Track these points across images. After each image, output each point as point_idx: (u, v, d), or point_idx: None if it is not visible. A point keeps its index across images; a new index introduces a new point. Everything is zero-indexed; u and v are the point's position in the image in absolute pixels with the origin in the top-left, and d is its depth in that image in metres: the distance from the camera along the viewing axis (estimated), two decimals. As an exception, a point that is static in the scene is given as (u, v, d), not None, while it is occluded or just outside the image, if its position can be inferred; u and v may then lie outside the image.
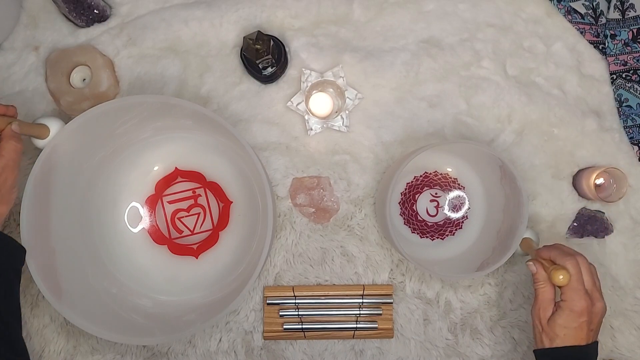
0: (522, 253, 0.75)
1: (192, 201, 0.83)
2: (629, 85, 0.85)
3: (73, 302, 0.70)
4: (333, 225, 0.83)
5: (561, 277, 0.60)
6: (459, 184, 0.83)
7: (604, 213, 0.83)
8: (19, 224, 0.69)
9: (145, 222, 0.82)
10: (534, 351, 0.66)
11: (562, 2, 0.87)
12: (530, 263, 0.67)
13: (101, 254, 0.79)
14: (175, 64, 0.85)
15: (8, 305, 0.62)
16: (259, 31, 0.79)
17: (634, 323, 0.81)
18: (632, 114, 0.85)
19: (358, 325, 0.80)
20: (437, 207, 0.83)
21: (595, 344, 0.64)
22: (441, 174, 0.83)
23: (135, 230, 0.82)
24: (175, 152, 0.82)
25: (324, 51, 0.85)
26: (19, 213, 0.68)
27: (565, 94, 0.86)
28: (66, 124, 0.70)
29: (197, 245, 0.82)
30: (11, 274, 0.64)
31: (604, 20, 0.86)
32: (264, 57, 0.79)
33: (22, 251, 0.65)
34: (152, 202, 0.82)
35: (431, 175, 0.83)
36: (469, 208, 0.82)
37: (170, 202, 0.83)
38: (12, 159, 0.61)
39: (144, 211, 0.82)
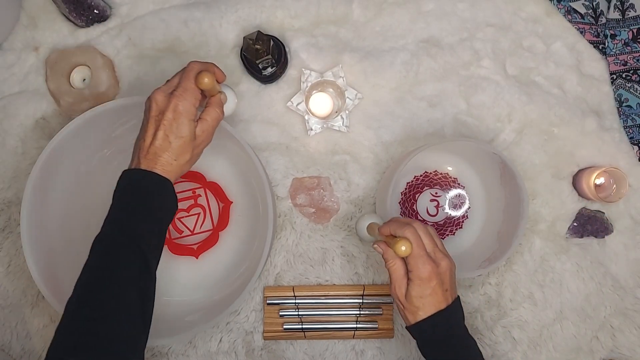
0: (370, 239, 0.74)
1: (192, 201, 0.83)
2: (629, 85, 0.85)
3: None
4: (333, 226, 0.83)
5: (403, 248, 0.59)
6: (459, 183, 0.83)
7: (604, 213, 0.83)
8: (19, 224, 0.69)
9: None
10: (409, 331, 0.65)
11: (562, 2, 0.87)
12: (376, 245, 0.65)
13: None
14: (175, 65, 0.85)
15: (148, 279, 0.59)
16: (259, 31, 0.79)
17: (634, 322, 0.81)
18: (632, 113, 0.85)
19: (358, 325, 0.80)
20: (437, 206, 0.83)
21: (456, 302, 0.63)
22: (441, 174, 0.83)
23: (135, 231, 0.82)
24: (175, 152, 0.82)
25: (323, 51, 0.85)
26: (19, 213, 0.68)
27: (565, 94, 0.86)
28: (66, 124, 0.70)
29: (197, 245, 0.82)
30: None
31: (604, 20, 0.86)
32: (264, 57, 0.79)
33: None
34: (152, 203, 0.82)
35: (431, 174, 0.83)
36: (469, 207, 0.82)
37: (170, 203, 0.82)
38: (213, 126, 0.62)
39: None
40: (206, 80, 0.58)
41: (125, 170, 0.59)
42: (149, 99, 0.59)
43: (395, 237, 0.62)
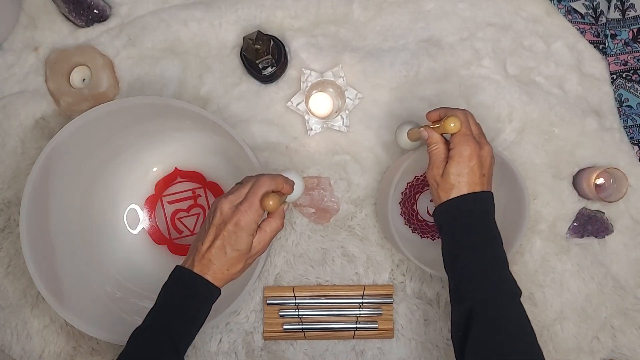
0: (412, 146, 0.75)
1: (192, 201, 0.83)
2: (629, 85, 0.85)
3: (73, 304, 0.70)
4: (333, 226, 0.83)
5: (452, 124, 0.62)
6: (459, 184, 0.82)
7: (604, 213, 0.83)
8: (18, 224, 0.69)
9: (144, 223, 0.82)
10: (433, 213, 0.66)
11: (562, 2, 0.87)
12: (422, 129, 0.67)
13: (101, 255, 0.79)
14: (175, 65, 0.85)
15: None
16: (258, 31, 0.79)
17: (635, 322, 0.81)
18: (632, 113, 0.85)
19: (358, 326, 0.80)
20: (437, 207, 0.82)
21: (490, 193, 0.65)
22: (441, 174, 0.83)
23: (134, 231, 0.82)
24: (175, 152, 0.82)
25: (323, 51, 0.85)
26: (19, 213, 0.68)
27: (565, 93, 0.85)
28: (66, 124, 0.70)
29: (197, 245, 0.82)
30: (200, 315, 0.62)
31: (604, 20, 0.86)
32: (264, 57, 0.79)
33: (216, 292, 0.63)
34: (152, 203, 0.82)
35: (431, 175, 0.83)
36: (470, 208, 0.82)
37: (170, 203, 0.82)
38: (271, 237, 0.62)
39: (143, 212, 0.82)
40: (271, 204, 0.59)
41: (178, 266, 0.60)
42: (215, 205, 0.60)
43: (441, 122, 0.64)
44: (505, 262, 0.62)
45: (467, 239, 0.62)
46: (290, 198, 0.67)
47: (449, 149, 0.64)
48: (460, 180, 0.62)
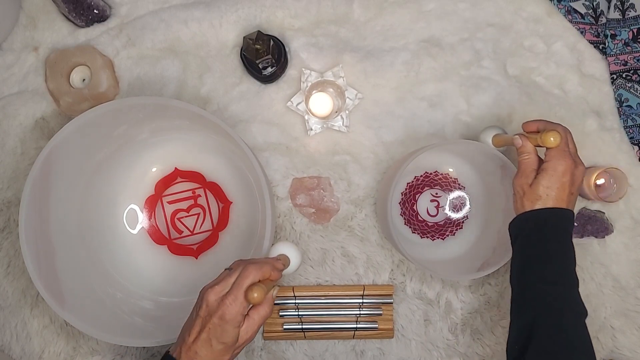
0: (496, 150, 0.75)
1: (191, 201, 0.82)
2: (629, 85, 0.85)
3: (73, 304, 0.70)
4: (333, 226, 0.83)
5: (552, 138, 0.62)
6: (459, 184, 0.82)
7: (604, 213, 0.83)
8: (18, 225, 0.69)
9: (144, 223, 0.82)
10: (512, 222, 0.66)
11: (562, 2, 0.87)
12: (517, 136, 0.67)
13: (101, 255, 0.79)
14: (175, 65, 0.85)
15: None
16: (259, 31, 0.79)
17: (635, 323, 0.81)
18: (633, 113, 0.85)
19: (358, 326, 0.80)
20: (437, 207, 0.83)
21: (572, 214, 0.64)
22: (442, 174, 0.83)
23: (134, 231, 0.82)
24: (175, 152, 0.82)
25: (323, 51, 0.85)
26: (19, 213, 0.68)
27: (565, 94, 0.85)
28: (66, 124, 0.70)
29: (197, 245, 0.82)
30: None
31: (604, 20, 0.86)
32: (264, 57, 0.79)
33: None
34: (152, 203, 0.82)
35: (432, 175, 0.83)
36: (470, 208, 0.82)
37: (170, 203, 0.82)
38: (259, 324, 0.60)
39: (143, 212, 0.82)
40: (255, 296, 0.56)
41: (167, 353, 0.60)
42: (202, 295, 0.59)
43: (538, 133, 0.65)
44: (575, 281, 0.62)
45: (542, 251, 0.62)
46: (287, 272, 0.67)
47: (539, 161, 0.65)
48: (549, 194, 0.62)
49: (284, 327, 0.80)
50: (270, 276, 0.60)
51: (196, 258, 0.82)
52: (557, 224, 0.63)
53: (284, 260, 0.66)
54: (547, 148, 0.64)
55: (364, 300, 0.81)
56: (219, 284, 0.58)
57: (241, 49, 0.84)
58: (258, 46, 0.78)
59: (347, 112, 0.83)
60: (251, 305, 0.59)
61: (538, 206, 0.63)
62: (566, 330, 0.59)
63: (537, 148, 0.66)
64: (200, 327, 0.58)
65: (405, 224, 0.83)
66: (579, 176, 0.64)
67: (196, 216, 0.83)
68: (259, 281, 0.58)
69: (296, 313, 0.80)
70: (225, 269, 0.60)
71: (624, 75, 0.85)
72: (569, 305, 0.60)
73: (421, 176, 0.83)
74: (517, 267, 0.64)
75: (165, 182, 0.82)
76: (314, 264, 0.82)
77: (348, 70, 0.84)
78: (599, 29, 0.87)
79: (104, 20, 0.86)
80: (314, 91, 0.82)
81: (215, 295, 0.57)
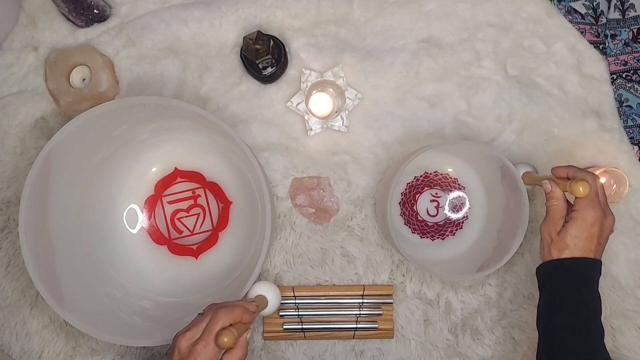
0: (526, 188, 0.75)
1: (191, 201, 0.82)
2: (629, 85, 0.85)
3: (73, 304, 0.70)
4: (333, 226, 0.83)
5: (581, 188, 0.61)
6: (459, 184, 0.82)
7: (604, 213, 0.83)
8: (18, 224, 0.69)
9: (144, 223, 0.82)
10: (538, 268, 0.67)
11: (562, 2, 0.87)
12: (546, 181, 0.68)
13: (101, 255, 0.79)
14: (175, 65, 0.85)
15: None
16: (258, 31, 0.79)
17: (634, 323, 0.81)
18: (632, 114, 0.85)
19: (358, 326, 0.80)
20: (437, 207, 0.83)
21: (600, 263, 0.65)
22: (441, 174, 0.83)
23: (134, 231, 0.82)
24: (175, 152, 0.82)
25: (323, 51, 0.85)
26: (18, 213, 0.68)
27: (565, 94, 0.85)
28: (66, 124, 0.70)
29: (197, 245, 0.82)
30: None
31: (604, 20, 0.86)
32: (264, 57, 0.79)
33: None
34: (152, 203, 0.82)
35: (431, 175, 0.83)
36: (470, 208, 0.82)
37: (170, 203, 0.82)
38: None
39: (143, 212, 0.82)
40: (225, 341, 0.55)
41: None
42: (174, 341, 0.58)
43: (568, 179, 0.65)
44: (601, 333, 0.63)
45: (569, 301, 0.63)
46: (265, 313, 0.67)
47: (568, 207, 0.65)
48: (577, 243, 0.63)
49: (284, 327, 0.80)
50: (242, 319, 0.59)
51: (196, 258, 0.82)
52: (584, 274, 0.64)
53: (260, 302, 0.66)
54: (576, 197, 0.63)
55: (364, 301, 0.81)
56: (190, 329, 0.58)
57: (241, 49, 0.84)
58: (258, 46, 0.78)
59: (347, 112, 0.83)
60: (224, 350, 0.58)
61: (565, 255, 0.63)
62: None
63: (566, 193, 0.66)
64: None
65: (405, 224, 0.83)
66: (607, 227, 0.64)
67: (196, 216, 0.83)
68: (231, 325, 0.57)
69: (296, 313, 0.80)
70: (199, 314, 0.60)
71: (624, 76, 0.85)
72: (594, 356, 0.61)
73: (421, 176, 0.83)
74: (543, 312, 0.65)
75: (165, 182, 0.82)
76: (314, 264, 0.82)
77: (348, 71, 0.84)
78: (599, 29, 0.87)
79: (104, 20, 0.86)
80: (314, 91, 0.82)
81: (186, 342, 0.57)
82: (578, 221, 0.63)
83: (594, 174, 0.66)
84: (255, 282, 0.69)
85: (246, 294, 0.68)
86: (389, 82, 0.85)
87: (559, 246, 0.64)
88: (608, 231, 0.65)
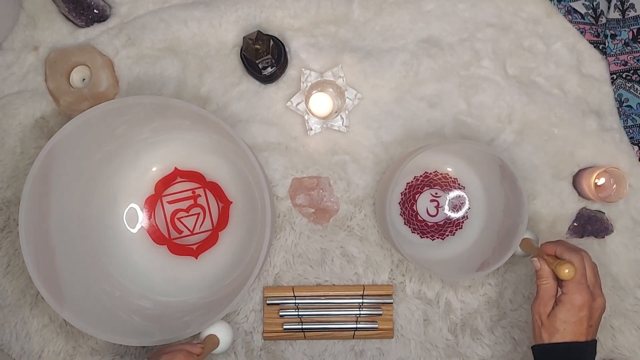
0: (522, 254, 0.75)
1: (191, 201, 0.83)
2: (629, 85, 0.85)
3: (72, 304, 0.70)
4: (333, 226, 0.83)
5: (566, 270, 0.60)
6: (459, 184, 0.82)
7: (604, 213, 0.83)
8: (18, 224, 0.69)
9: (144, 222, 0.82)
10: (532, 347, 0.67)
11: (562, 2, 0.87)
12: (535, 259, 0.67)
13: (101, 255, 0.79)
14: (175, 64, 0.85)
15: None
16: (258, 31, 0.79)
17: (634, 323, 0.81)
18: (632, 113, 0.85)
19: (358, 326, 0.80)
20: (437, 207, 0.83)
21: (594, 343, 0.64)
22: (441, 174, 0.83)
23: (134, 231, 0.82)
24: (175, 152, 0.82)
25: (323, 51, 0.85)
26: (18, 213, 0.68)
27: (565, 94, 0.85)
28: (66, 123, 0.70)
29: (197, 245, 0.82)
30: None
31: (604, 20, 0.86)
32: (264, 57, 0.79)
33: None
34: (152, 203, 0.82)
35: (431, 175, 0.83)
36: (469, 208, 0.82)
37: (169, 202, 0.82)
38: None
39: (143, 211, 0.82)
40: None
41: None
42: None
43: (558, 258, 0.64)
44: None
45: None
46: (217, 351, 0.69)
47: (558, 286, 0.64)
48: (566, 328, 0.62)
49: (284, 327, 0.80)
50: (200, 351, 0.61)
51: (196, 258, 0.82)
52: (579, 358, 0.63)
53: (209, 341, 0.68)
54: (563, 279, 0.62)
55: (364, 300, 0.81)
56: None
57: (241, 48, 0.84)
58: (258, 46, 0.78)
59: (346, 112, 0.83)
60: None
61: (556, 339, 0.63)
62: None
63: None
64: None
65: (404, 223, 0.83)
66: (597, 309, 0.63)
67: (196, 216, 0.83)
68: None
69: (296, 313, 0.80)
70: None
71: (624, 75, 0.85)
72: None
73: (421, 176, 0.83)
74: None
75: (165, 182, 0.82)
76: (314, 264, 0.82)
77: (347, 71, 0.84)
78: (599, 29, 0.87)
79: (104, 20, 0.86)
80: (314, 91, 0.82)
81: None
82: (567, 305, 0.62)
83: (581, 253, 0.64)
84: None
85: (199, 334, 0.70)
86: (389, 82, 0.85)
87: (549, 330, 0.63)
88: (598, 313, 0.64)
